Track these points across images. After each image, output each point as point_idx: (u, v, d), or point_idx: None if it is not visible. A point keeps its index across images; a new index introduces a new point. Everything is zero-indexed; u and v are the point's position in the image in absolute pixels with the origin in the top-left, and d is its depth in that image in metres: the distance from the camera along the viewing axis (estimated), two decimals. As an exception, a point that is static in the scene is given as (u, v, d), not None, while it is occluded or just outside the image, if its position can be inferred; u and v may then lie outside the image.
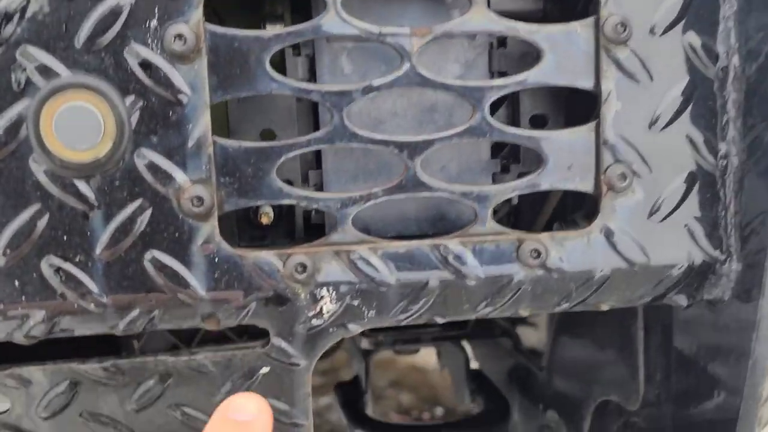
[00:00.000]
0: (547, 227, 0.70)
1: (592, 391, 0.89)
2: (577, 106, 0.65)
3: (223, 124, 0.60)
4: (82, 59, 0.52)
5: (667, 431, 0.77)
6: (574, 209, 0.71)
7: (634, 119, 0.60)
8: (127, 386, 0.59)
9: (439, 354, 1.37)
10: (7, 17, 0.51)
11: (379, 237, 0.59)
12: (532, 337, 1.08)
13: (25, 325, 0.55)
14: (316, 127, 0.61)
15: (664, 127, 0.60)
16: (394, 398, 1.71)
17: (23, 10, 0.51)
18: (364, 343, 1.13)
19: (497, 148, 0.66)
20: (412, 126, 0.62)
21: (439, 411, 1.62)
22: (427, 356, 1.54)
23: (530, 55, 0.63)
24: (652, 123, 0.60)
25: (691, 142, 0.61)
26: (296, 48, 0.60)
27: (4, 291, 0.54)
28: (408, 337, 1.12)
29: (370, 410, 1.10)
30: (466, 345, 1.23)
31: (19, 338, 0.55)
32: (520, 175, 0.64)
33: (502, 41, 0.63)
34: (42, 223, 0.53)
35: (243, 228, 0.64)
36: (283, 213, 0.64)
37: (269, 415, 0.51)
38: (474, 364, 1.25)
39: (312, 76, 0.61)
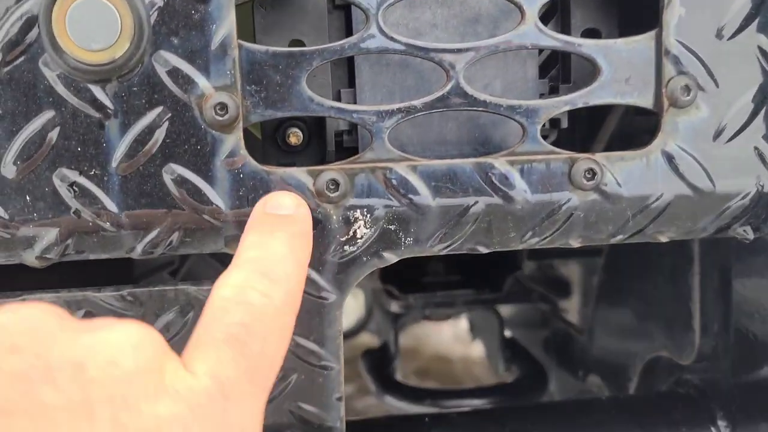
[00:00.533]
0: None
1: (639, 349, 0.83)
2: (633, 21, 0.60)
3: (248, 33, 0.56)
4: (97, -49, 0.48)
5: (725, 389, 0.71)
6: (633, 141, 0.66)
7: (700, 27, 0.54)
8: (145, 318, 0.55)
9: (472, 322, 1.32)
10: None
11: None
12: (572, 301, 1.03)
13: (37, 246, 0.51)
14: (349, 35, 0.57)
15: (732, 36, 0.54)
16: (421, 369, 1.65)
17: None
18: (394, 306, 1.08)
19: (545, 68, 0.61)
20: (453, 38, 0.57)
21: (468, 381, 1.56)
22: (457, 324, 1.48)
23: (583, -37, 0.58)
24: (719, 31, 0.54)
25: (762, 53, 0.55)
26: (329, -50, 0.56)
27: (15, 207, 0.50)
28: (439, 300, 1.07)
29: (399, 375, 1.06)
30: (501, 312, 1.17)
31: (30, 260, 0.51)
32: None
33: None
34: (54, 132, 0.49)
35: (270, 150, 0.59)
36: (313, 135, 0.60)
37: (307, 207, 0.50)
38: (508, 333, 1.20)
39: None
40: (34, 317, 0.34)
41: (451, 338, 1.64)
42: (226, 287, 0.43)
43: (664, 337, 0.77)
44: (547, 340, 1.11)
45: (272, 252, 0.46)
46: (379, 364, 1.08)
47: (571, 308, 1.02)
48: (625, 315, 0.87)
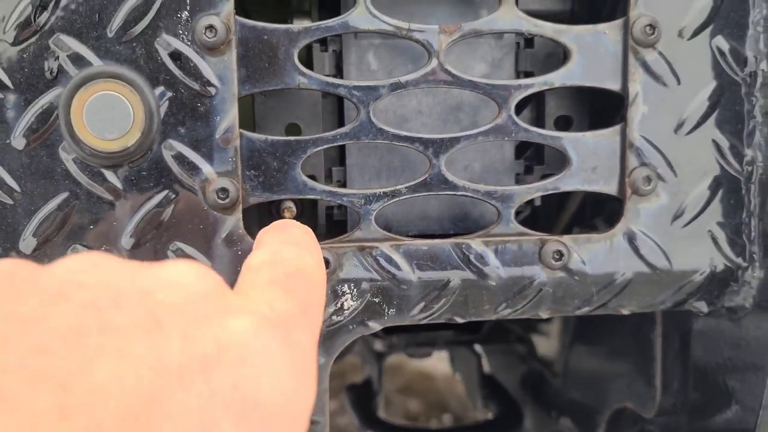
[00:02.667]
0: (566, 232, 0.69)
1: (607, 398, 0.89)
2: (602, 109, 0.65)
3: (249, 118, 0.60)
4: (114, 49, 0.53)
5: (683, 441, 0.76)
6: (594, 215, 0.71)
7: (661, 123, 0.60)
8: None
9: (452, 359, 1.37)
10: (42, 5, 0.52)
11: (401, 235, 0.59)
12: (548, 343, 1.08)
13: (48, 312, 0.55)
14: (341, 123, 0.62)
15: (690, 132, 0.60)
16: (402, 405, 1.70)
17: (57, -1, 0.52)
18: (378, 345, 1.13)
19: (521, 149, 0.66)
20: (437, 124, 0.62)
21: (447, 419, 1.62)
22: (438, 362, 1.54)
23: (556, 57, 0.63)
24: (678, 127, 0.60)
25: (717, 147, 0.60)
26: (323, 43, 0.61)
27: (30, 277, 0.54)
28: (421, 340, 1.12)
29: (382, 412, 1.10)
30: (480, 351, 1.22)
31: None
32: (544, 177, 0.64)
33: (528, 42, 0.63)
34: (70, 211, 0.54)
35: (265, 223, 0.64)
36: (306, 209, 0.64)
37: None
38: (486, 370, 1.25)
39: (339, 72, 0.61)
40: (98, 258, 0.34)
41: (432, 376, 1.69)
42: (264, 252, 0.42)
43: (629, 390, 0.83)
44: (523, 379, 1.16)
45: (296, 236, 0.46)
46: (362, 399, 1.12)
47: (547, 351, 1.07)
48: (596, 365, 0.92)
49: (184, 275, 0.34)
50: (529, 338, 1.13)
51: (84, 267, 0.33)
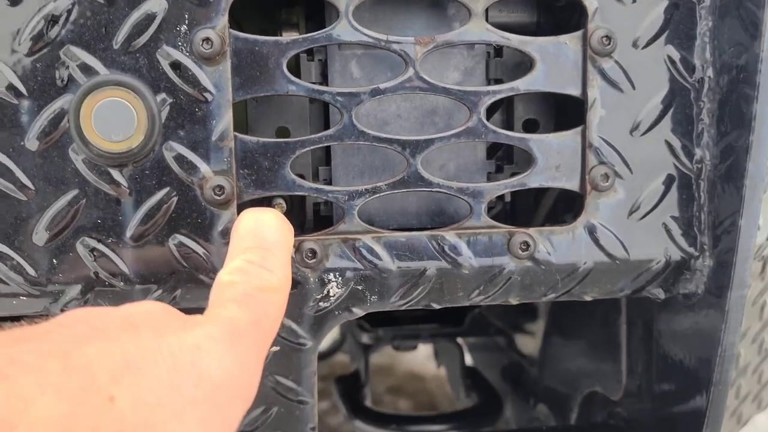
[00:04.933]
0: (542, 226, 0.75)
1: (579, 384, 0.94)
2: (565, 112, 0.71)
3: (242, 121, 0.66)
4: (119, 59, 0.58)
5: (648, 420, 0.82)
6: (565, 210, 0.77)
7: (617, 125, 0.65)
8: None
9: (436, 352, 1.43)
10: (54, 20, 0.57)
11: (382, 228, 0.65)
12: (525, 336, 1.14)
13: (61, 300, 0.60)
14: (327, 126, 0.67)
15: (644, 133, 0.66)
16: (391, 403, 1.76)
17: (68, 13, 0.57)
18: (365, 338, 1.18)
19: (492, 150, 0.72)
20: (414, 127, 0.67)
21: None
22: (425, 360, 1.59)
23: (524, 64, 0.69)
24: (634, 128, 0.66)
25: (669, 146, 0.66)
26: (310, 53, 0.66)
27: (43, 267, 0.59)
28: (406, 333, 1.17)
29: (369, 401, 1.16)
30: (462, 343, 1.28)
31: (55, 312, 0.61)
32: (513, 175, 0.69)
33: (498, 51, 0.69)
34: (79, 206, 0.59)
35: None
36: (295, 205, 0.70)
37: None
38: (469, 361, 1.30)
39: (324, 79, 0.66)
40: (84, 310, 0.45)
41: (417, 367, 1.75)
42: (232, 266, 0.50)
43: (598, 375, 0.88)
44: (504, 369, 1.22)
45: (266, 236, 0.52)
46: (350, 389, 1.18)
47: (524, 342, 1.13)
48: (568, 352, 0.98)
49: (153, 306, 0.46)
50: (508, 331, 1.18)
51: (73, 312, 0.44)
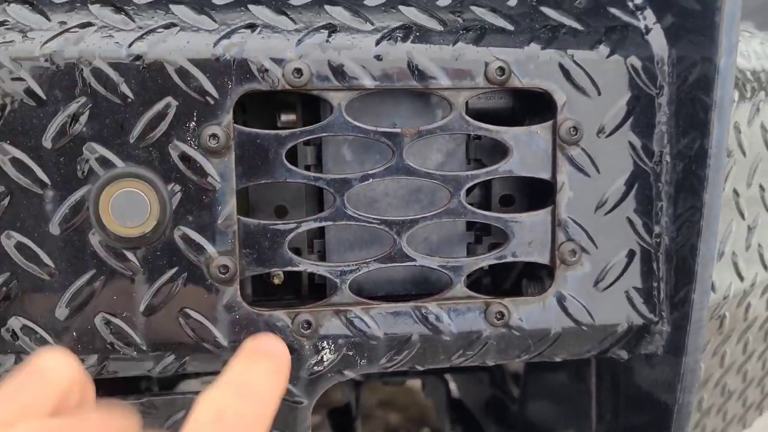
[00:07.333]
0: (518, 282, 0.82)
1: (555, 424, 1.01)
2: (538, 188, 0.78)
3: (245, 201, 0.72)
4: (134, 153, 0.65)
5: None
6: (540, 268, 0.84)
7: (584, 204, 0.72)
8: (160, 418, 0.71)
9: (424, 385, 1.49)
10: (75, 118, 0.64)
11: (370, 297, 0.72)
12: (507, 374, 1.21)
13: (78, 367, 0.67)
14: (321, 203, 0.74)
15: (608, 212, 0.73)
16: (382, 418, 1.82)
17: (88, 112, 0.63)
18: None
19: (472, 222, 0.78)
20: (401, 204, 0.74)
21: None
22: (413, 383, 1.66)
23: (501, 146, 0.75)
24: (599, 207, 0.73)
25: (631, 224, 0.73)
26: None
27: (64, 339, 0.66)
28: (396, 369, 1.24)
29: (359, 434, 1.22)
30: (448, 378, 1.34)
31: (72, 377, 0.67)
32: (491, 246, 0.76)
33: (477, 135, 0.76)
34: (97, 285, 0.65)
35: (258, 286, 0.76)
36: (292, 275, 0.76)
37: (286, 348, 0.61)
38: (455, 394, 1.37)
39: (318, 162, 0.73)
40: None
41: (405, 401, 1.81)
42: (205, 407, 0.52)
43: (572, 418, 0.95)
44: (487, 404, 1.28)
45: (253, 378, 0.56)
46: (342, 423, 1.24)
47: (506, 381, 1.20)
48: (545, 395, 1.05)
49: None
50: (491, 368, 1.25)
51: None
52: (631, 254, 0.74)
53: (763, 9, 1.10)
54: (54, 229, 0.64)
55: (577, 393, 0.92)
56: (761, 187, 0.90)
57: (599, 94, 0.71)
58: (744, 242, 0.88)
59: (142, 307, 0.66)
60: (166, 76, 0.64)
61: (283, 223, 0.68)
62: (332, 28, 0.68)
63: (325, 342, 0.70)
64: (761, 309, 0.97)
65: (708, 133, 0.67)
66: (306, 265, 0.70)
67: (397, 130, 0.69)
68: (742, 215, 0.86)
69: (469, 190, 0.75)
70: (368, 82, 0.68)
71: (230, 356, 0.68)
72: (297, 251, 0.73)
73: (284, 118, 0.74)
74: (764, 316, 1.01)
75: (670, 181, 0.73)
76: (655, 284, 0.74)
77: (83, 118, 0.64)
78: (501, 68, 0.69)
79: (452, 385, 1.37)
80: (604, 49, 0.72)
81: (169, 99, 0.64)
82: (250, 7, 0.68)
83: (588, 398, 0.89)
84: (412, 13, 0.70)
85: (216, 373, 0.70)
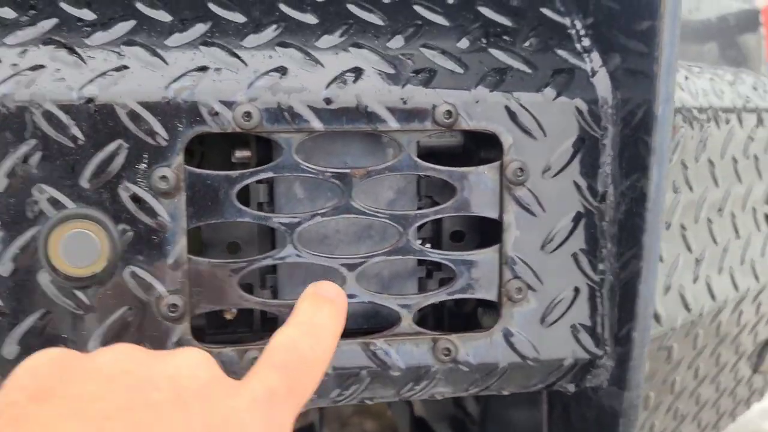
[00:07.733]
0: (474, 309, 0.84)
1: (512, 448, 1.03)
2: (487, 225, 0.79)
3: (197, 239, 0.73)
4: (85, 194, 0.65)
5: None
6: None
7: (530, 243, 0.74)
8: None
9: (388, 404, 1.51)
10: (25, 159, 0.64)
11: (322, 332, 0.73)
12: (468, 397, 1.22)
13: (28, 405, 0.67)
14: (273, 240, 0.75)
15: (554, 250, 0.75)
16: (358, 425, 1.84)
17: (39, 153, 0.64)
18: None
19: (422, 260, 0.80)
20: (352, 241, 0.76)
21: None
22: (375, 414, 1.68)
23: (450, 184, 0.77)
24: (545, 245, 0.74)
25: (576, 260, 0.75)
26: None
27: (13, 377, 0.66)
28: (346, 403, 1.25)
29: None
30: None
31: None
32: (441, 281, 0.78)
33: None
34: (46, 323, 0.66)
35: (211, 320, 0.77)
36: (244, 310, 0.78)
37: (344, 295, 0.64)
38: (418, 413, 1.39)
39: (271, 199, 0.74)
40: (129, 349, 0.52)
41: (380, 409, 1.84)
42: (281, 340, 0.57)
43: (526, 444, 0.97)
44: (450, 424, 1.30)
45: (318, 318, 0.61)
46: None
47: (467, 402, 1.22)
48: (502, 420, 1.06)
49: (196, 364, 0.52)
50: (454, 388, 1.27)
51: (121, 356, 0.51)
52: (576, 291, 0.76)
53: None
54: (3, 269, 0.65)
55: (531, 420, 0.94)
56: (709, 221, 0.92)
57: (545, 135, 0.73)
58: (692, 275, 0.90)
59: (92, 345, 0.67)
60: (117, 118, 0.65)
61: (233, 262, 0.70)
62: (283, 71, 0.69)
63: (274, 378, 0.71)
64: (710, 336, 1.00)
65: (647, 176, 0.69)
66: (257, 304, 0.71)
67: (347, 170, 0.71)
68: (689, 249, 0.89)
69: (420, 226, 0.76)
70: (318, 125, 0.69)
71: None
72: (249, 287, 0.74)
73: (239, 154, 0.75)
74: (714, 343, 1.04)
75: (614, 220, 0.75)
76: (599, 320, 0.76)
77: (33, 160, 0.65)
78: (449, 111, 0.71)
79: (417, 404, 1.39)
80: (550, 91, 0.74)
81: (120, 141, 0.65)
82: (202, 48, 0.69)
83: (540, 426, 0.91)
84: (363, 56, 0.72)
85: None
